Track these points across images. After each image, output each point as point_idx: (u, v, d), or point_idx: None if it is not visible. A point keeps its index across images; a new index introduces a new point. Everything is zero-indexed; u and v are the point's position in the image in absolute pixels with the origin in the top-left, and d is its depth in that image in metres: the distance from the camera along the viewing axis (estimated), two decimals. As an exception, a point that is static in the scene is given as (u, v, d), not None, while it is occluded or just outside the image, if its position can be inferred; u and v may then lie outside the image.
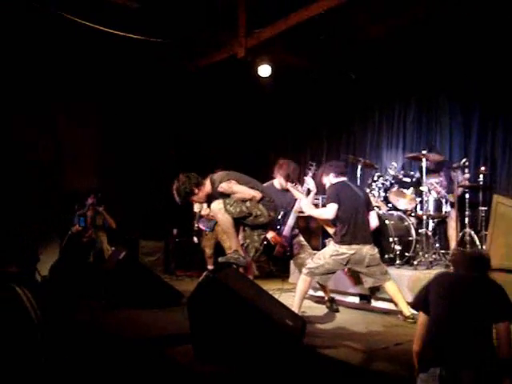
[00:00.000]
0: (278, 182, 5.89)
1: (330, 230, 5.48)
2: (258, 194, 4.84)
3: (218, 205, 4.83)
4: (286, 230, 5.77)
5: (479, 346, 2.69)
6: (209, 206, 5.06)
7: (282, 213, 5.78)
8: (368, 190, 6.62)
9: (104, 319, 5.35)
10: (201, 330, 3.95)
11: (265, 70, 8.21)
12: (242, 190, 4.83)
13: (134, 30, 7.68)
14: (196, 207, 5.02)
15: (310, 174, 5.91)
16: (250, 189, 4.86)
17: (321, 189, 6.03)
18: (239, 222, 4.94)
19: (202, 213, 5.04)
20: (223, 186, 4.83)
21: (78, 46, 8.00)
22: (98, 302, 5.98)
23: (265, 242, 5.48)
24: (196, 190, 4.87)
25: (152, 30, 7.80)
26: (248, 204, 4.82)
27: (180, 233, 9.25)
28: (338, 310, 5.80)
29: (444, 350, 2.74)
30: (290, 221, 5.79)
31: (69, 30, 7.30)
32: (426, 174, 6.49)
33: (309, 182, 5.80)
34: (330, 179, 5.49)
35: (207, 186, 4.93)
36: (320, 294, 6.23)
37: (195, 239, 5.09)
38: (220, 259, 4.91)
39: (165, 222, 9.15)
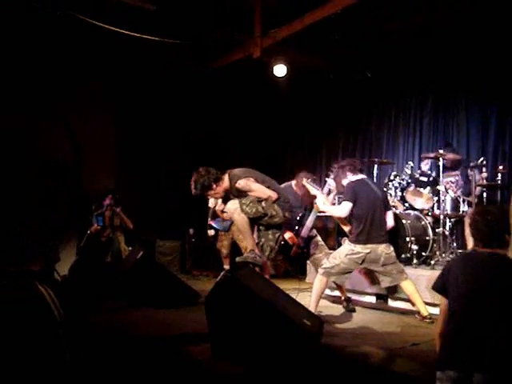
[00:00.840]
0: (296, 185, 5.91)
1: (346, 229, 5.47)
2: (274, 195, 4.85)
3: (233, 205, 4.84)
4: (304, 231, 5.77)
5: (498, 344, 2.61)
6: (224, 202, 5.08)
7: (300, 214, 5.79)
8: (384, 190, 6.59)
9: (122, 318, 5.40)
10: (219, 329, 3.97)
11: (280, 70, 8.20)
12: (259, 189, 4.84)
13: (149, 32, 7.73)
14: (211, 202, 5.04)
15: (332, 175, 5.92)
16: (267, 188, 4.88)
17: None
18: (254, 222, 4.95)
19: (217, 208, 5.04)
20: (241, 183, 4.85)
21: (92, 47, 8.07)
22: (116, 301, 6.04)
23: (282, 243, 5.49)
24: (214, 186, 4.88)
25: (167, 31, 7.85)
26: (264, 204, 4.83)
27: (196, 233, 9.30)
28: (354, 310, 5.79)
29: (460, 350, 2.68)
30: (309, 220, 5.79)
31: (83, 31, 7.38)
32: (443, 172, 6.46)
33: (330, 182, 5.80)
34: (348, 178, 5.46)
35: (225, 182, 4.94)
36: (336, 293, 6.23)
37: (210, 232, 5.08)
38: (237, 259, 4.92)
39: (181, 222, 9.20)
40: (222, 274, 4.20)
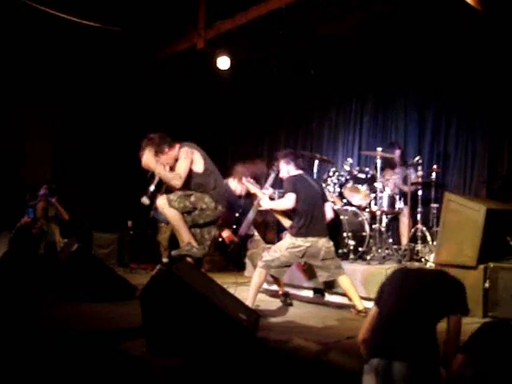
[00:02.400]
0: (233, 184, 5.89)
1: (286, 223, 5.50)
2: (179, 183, 4.73)
3: (162, 200, 4.82)
4: (243, 229, 5.76)
5: (418, 340, 2.74)
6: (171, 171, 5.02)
7: (240, 210, 5.79)
8: (323, 186, 6.67)
9: (56, 312, 5.24)
10: (154, 324, 3.92)
11: (224, 63, 8.15)
12: (181, 166, 4.80)
13: (91, 17, 7.53)
14: None
15: (273, 174, 5.93)
16: (185, 172, 4.79)
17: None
18: (188, 215, 4.90)
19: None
20: (183, 150, 4.85)
21: (32, 32, 7.78)
22: (49, 294, 5.86)
23: (220, 240, 5.48)
24: (167, 149, 4.86)
25: (111, 17, 7.67)
26: (192, 199, 4.82)
27: (135, 225, 9.14)
28: (291, 304, 5.84)
29: (383, 340, 2.79)
30: (249, 217, 5.79)
31: (19, 12, 7.10)
32: (385, 168, 6.62)
33: (268, 188, 5.83)
34: (289, 169, 5.49)
35: (176, 150, 4.91)
36: (274, 287, 6.26)
37: (145, 200, 4.94)
38: (173, 252, 4.88)
39: (119, 213, 9.02)
40: (157, 267, 4.14)
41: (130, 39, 8.29)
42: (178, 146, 4.92)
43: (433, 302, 2.85)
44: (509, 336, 2.61)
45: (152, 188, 4.87)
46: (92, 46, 8.35)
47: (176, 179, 4.76)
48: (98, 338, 4.27)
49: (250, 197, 5.91)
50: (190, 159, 4.84)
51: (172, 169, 4.93)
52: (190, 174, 4.86)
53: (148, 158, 4.78)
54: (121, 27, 7.84)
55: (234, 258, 6.08)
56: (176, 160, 4.89)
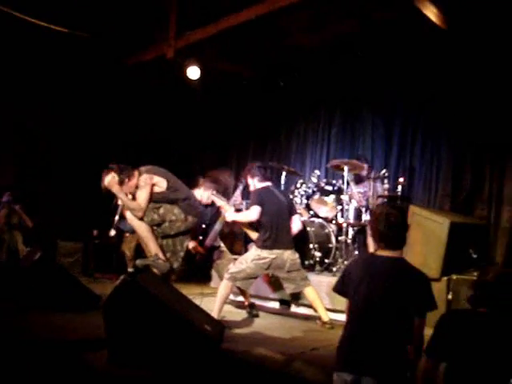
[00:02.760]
0: (199, 193, 5.89)
1: (253, 236, 5.52)
2: (140, 214, 4.75)
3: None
4: (209, 240, 5.76)
5: (387, 351, 2.72)
6: (133, 198, 4.98)
7: (207, 222, 5.78)
8: (291, 197, 6.70)
9: (16, 321, 5.12)
10: (117, 334, 3.86)
11: (194, 73, 8.13)
12: (141, 196, 4.77)
13: (61, 23, 7.45)
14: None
15: (241, 186, 5.94)
16: (145, 202, 4.77)
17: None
18: (158, 227, 4.88)
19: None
20: (142, 179, 4.82)
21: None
22: (10, 302, 5.72)
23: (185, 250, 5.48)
24: (126, 180, 4.82)
25: (81, 23, 7.60)
26: (161, 211, 4.81)
27: (100, 234, 9.01)
28: (257, 315, 5.83)
29: (353, 353, 2.77)
30: (215, 230, 5.80)
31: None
32: (351, 183, 6.68)
33: (237, 199, 5.84)
34: (254, 183, 5.52)
35: (135, 178, 4.87)
36: (241, 299, 6.24)
37: (112, 232, 4.96)
38: (137, 261, 4.84)
39: (85, 222, 8.89)
40: (121, 277, 4.10)
41: (100, 46, 8.21)
42: (136, 173, 4.90)
43: (402, 297, 2.78)
44: (469, 321, 2.55)
45: (117, 218, 4.87)
46: (61, 51, 8.24)
47: (137, 210, 4.78)
48: (60, 348, 4.19)
49: (216, 208, 5.92)
50: (149, 186, 4.82)
51: (134, 196, 4.91)
52: (154, 194, 4.85)
53: (111, 181, 4.78)
54: (90, 34, 7.77)
55: (199, 269, 6.04)
56: (137, 187, 4.89)
